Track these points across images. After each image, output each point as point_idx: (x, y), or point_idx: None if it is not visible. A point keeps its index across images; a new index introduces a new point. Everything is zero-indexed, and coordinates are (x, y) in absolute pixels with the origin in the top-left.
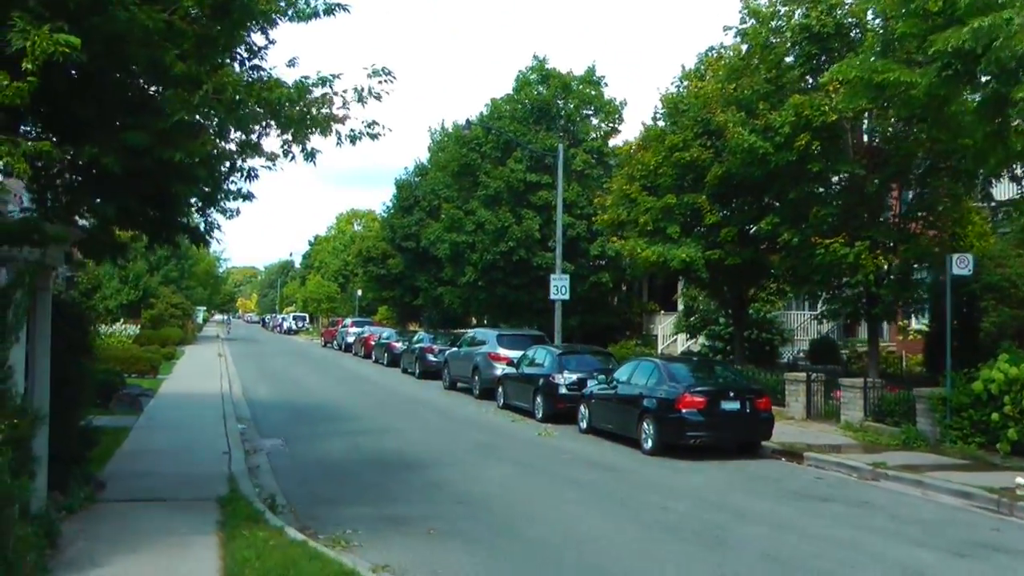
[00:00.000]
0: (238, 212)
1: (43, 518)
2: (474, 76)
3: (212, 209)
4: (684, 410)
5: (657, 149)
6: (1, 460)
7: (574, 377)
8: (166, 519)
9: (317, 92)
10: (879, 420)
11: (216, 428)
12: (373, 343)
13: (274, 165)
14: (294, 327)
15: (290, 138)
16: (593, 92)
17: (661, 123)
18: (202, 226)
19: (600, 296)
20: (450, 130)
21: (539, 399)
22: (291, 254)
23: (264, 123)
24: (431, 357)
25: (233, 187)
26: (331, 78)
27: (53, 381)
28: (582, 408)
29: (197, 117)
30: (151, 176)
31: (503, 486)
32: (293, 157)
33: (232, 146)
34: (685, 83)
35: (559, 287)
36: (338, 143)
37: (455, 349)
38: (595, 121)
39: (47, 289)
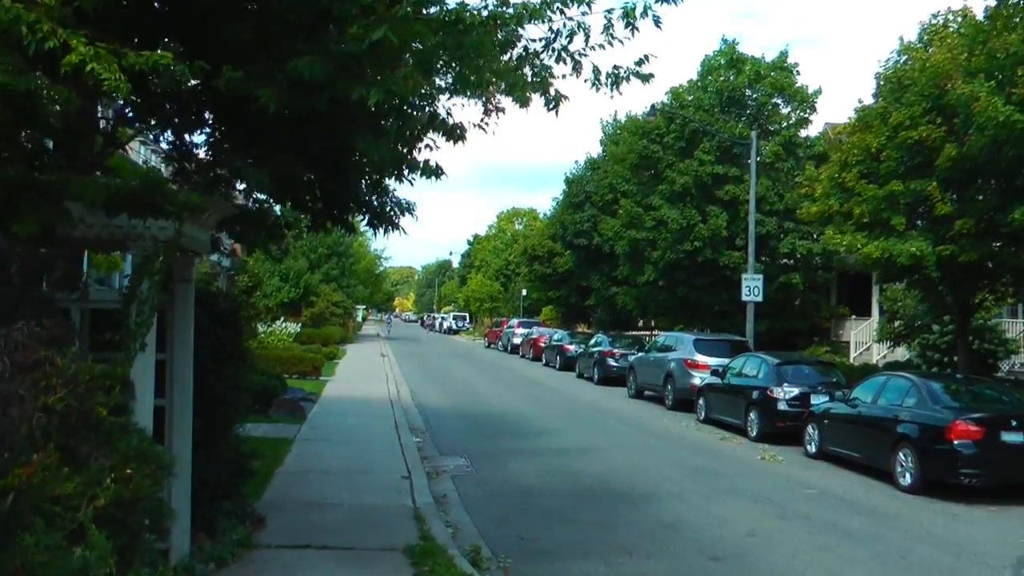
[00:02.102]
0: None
1: (186, 572)
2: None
3: (393, 181)
4: (956, 441)
5: (879, 130)
6: (95, 550)
7: (795, 391)
8: None
9: (573, 12)
10: None
11: (389, 442)
12: (543, 345)
13: (486, 121)
14: (454, 327)
15: (527, 75)
16: (785, 79)
17: (877, 104)
18: (387, 205)
19: (788, 298)
20: (623, 122)
21: (753, 415)
22: (451, 253)
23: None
24: (612, 362)
25: (424, 153)
26: None
27: (198, 397)
28: (810, 428)
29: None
30: (324, 124)
31: (755, 533)
32: (527, 103)
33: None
34: (904, 57)
35: (752, 288)
36: (594, 84)
37: (642, 354)
38: (785, 110)
39: (189, 280)
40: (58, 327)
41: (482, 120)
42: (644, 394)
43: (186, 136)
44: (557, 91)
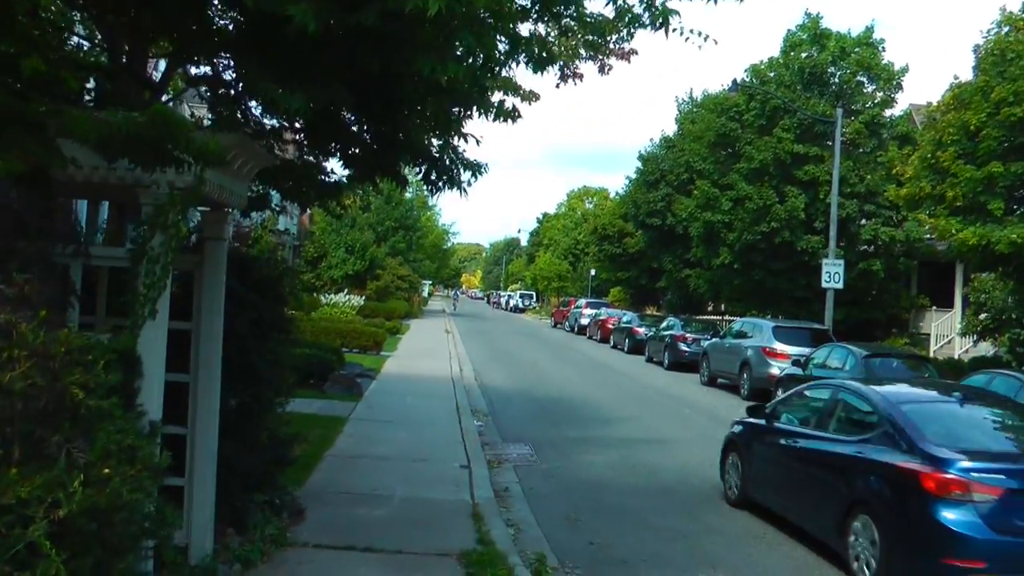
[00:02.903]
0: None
1: (206, 574)
2: (722, 43)
3: (459, 140)
4: None
5: (979, 106)
6: None
7: None
8: None
9: None
10: None
11: (448, 424)
12: (611, 327)
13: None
14: (520, 305)
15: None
16: (870, 56)
17: (976, 79)
18: (448, 157)
19: (867, 287)
20: (699, 99)
21: None
22: (519, 231)
23: None
24: (683, 346)
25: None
26: None
27: (232, 374)
28: None
29: None
30: (375, 45)
31: None
32: (636, 28)
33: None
34: (1006, 28)
35: (832, 274)
36: None
37: (716, 340)
38: (870, 88)
39: (221, 238)
40: (33, 285)
41: (558, 85)
42: (717, 382)
43: (219, 65)
44: (663, 5)
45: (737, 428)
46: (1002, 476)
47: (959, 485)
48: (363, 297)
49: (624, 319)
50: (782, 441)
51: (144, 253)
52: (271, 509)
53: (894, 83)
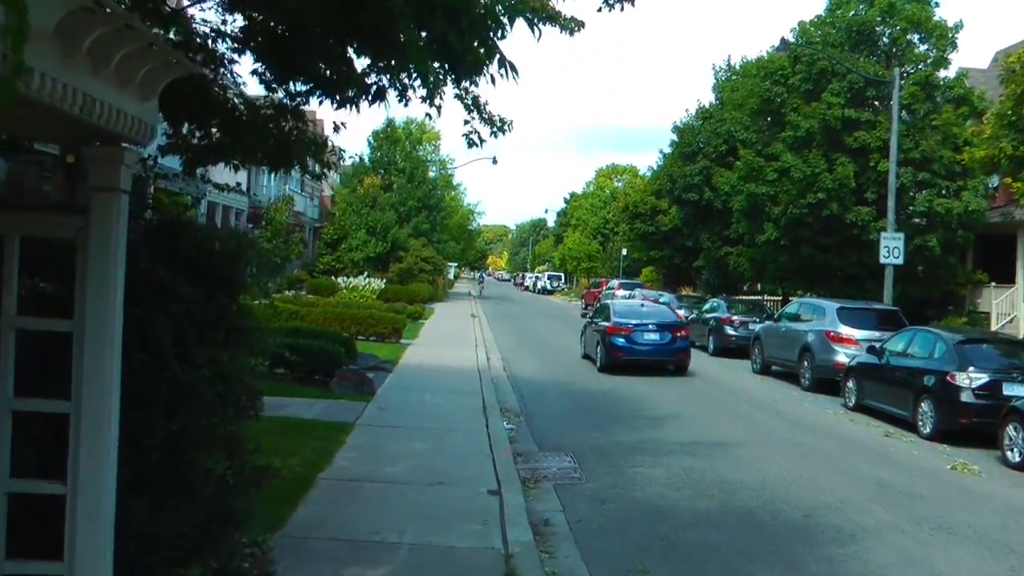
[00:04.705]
0: None
1: None
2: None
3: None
4: None
5: None
6: None
7: (984, 378)
8: None
9: None
10: None
11: (474, 429)
12: None
13: None
14: (549, 287)
15: None
16: (921, 12)
17: None
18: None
19: (922, 262)
20: (738, 67)
21: (925, 406)
22: (546, 211)
23: None
24: (730, 330)
25: None
26: None
27: (146, 398)
28: (1011, 430)
29: None
30: None
31: None
32: None
33: None
34: None
35: (891, 249)
36: None
37: (770, 323)
38: (922, 48)
39: (113, 188)
40: None
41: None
42: (771, 370)
43: None
44: None
45: (582, 326)
46: (632, 324)
47: (616, 329)
48: (384, 280)
49: (661, 300)
50: (592, 326)
51: None
52: (221, 572)
53: (948, 41)
